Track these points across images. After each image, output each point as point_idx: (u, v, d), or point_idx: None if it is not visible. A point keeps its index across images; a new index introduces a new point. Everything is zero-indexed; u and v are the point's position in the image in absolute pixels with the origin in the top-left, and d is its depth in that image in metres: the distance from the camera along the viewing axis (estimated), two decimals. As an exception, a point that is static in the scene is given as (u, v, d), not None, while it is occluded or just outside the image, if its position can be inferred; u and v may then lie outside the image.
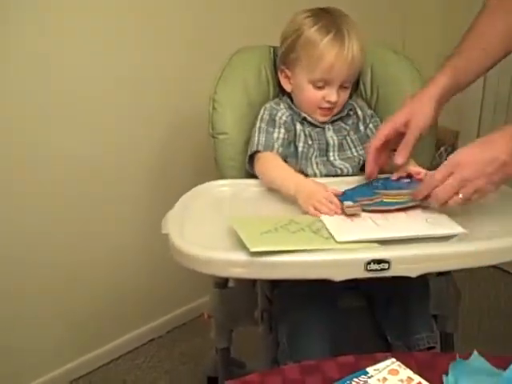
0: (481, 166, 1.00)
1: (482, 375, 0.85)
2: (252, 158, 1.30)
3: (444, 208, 1.04)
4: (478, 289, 2.22)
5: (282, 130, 1.31)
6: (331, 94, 1.29)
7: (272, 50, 1.44)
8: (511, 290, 2.21)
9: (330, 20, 1.29)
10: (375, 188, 1.15)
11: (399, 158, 1.16)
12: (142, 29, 1.70)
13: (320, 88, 1.30)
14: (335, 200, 1.10)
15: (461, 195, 1.01)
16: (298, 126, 1.34)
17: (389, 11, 2.36)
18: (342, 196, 1.11)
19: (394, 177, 1.19)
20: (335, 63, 1.26)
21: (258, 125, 1.33)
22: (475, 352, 0.89)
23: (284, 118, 1.33)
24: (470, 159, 1.01)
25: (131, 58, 1.70)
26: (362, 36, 1.30)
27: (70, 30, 1.56)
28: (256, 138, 1.30)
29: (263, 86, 1.42)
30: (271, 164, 1.27)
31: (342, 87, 1.31)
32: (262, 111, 1.36)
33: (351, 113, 1.38)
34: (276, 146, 1.29)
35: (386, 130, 1.20)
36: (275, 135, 1.30)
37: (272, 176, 1.24)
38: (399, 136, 1.18)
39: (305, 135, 1.32)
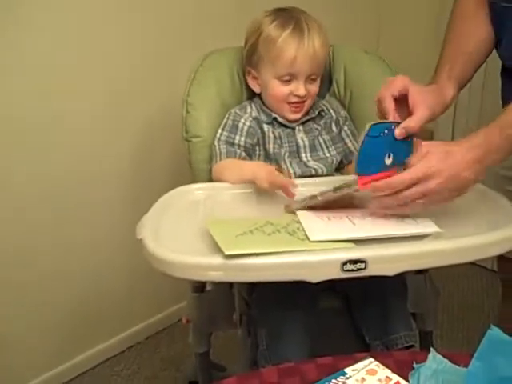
0: (446, 181, 0.99)
1: (444, 375, 0.84)
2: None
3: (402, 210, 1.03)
4: (456, 286, 2.24)
5: (243, 138, 1.32)
6: (298, 88, 1.30)
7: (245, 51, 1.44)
8: (490, 286, 2.23)
9: (288, 16, 1.31)
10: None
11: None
12: (113, 33, 1.69)
13: (287, 82, 1.30)
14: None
15: (422, 201, 1.01)
16: (266, 128, 1.33)
17: (363, 11, 2.38)
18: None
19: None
20: (297, 56, 1.27)
21: (218, 134, 1.33)
22: (432, 352, 0.88)
23: (248, 123, 1.33)
24: (438, 171, 0.99)
25: (104, 61, 1.69)
26: (324, 31, 1.31)
27: (38, 37, 1.54)
28: (218, 151, 1.31)
29: (236, 88, 1.42)
30: (224, 168, 1.28)
31: (309, 80, 1.31)
32: (225, 118, 1.36)
33: (323, 113, 1.39)
34: (238, 151, 1.30)
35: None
36: (236, 142, 1.31)
37: (230, 168, 1.26)
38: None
39: (274, 137, 1.32)
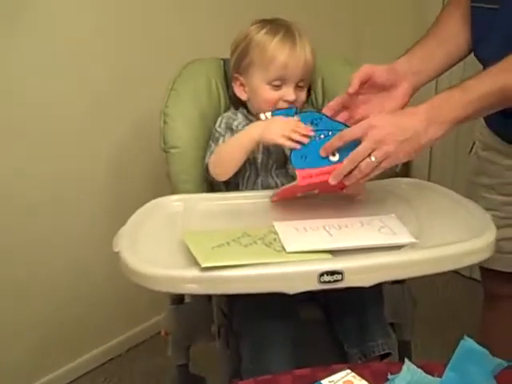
0: (394, 131, 1.02)
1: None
2: None
3: (359, 177, 1.05)
4: (435, 294, 2.25)
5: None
6: (289, 93, 1.30)
7: (222, 63, 1.44)
8: (468, 294, 2.24)
9: (277, 23, 1.33)
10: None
11: None
12: (93, 43, 1.69)
13: (277, 88, 1.30)
14: (302, 125, 1.15)
15: (373, 158, 1.02)
16: None
17: (343, 23, 2.40)
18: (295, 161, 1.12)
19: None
20: (289, 61, 1.28)
21: (217, 133, 1.33)
22: (406, 362, 0.88)
23: (240, 127, 1.33)
24: (384, 122, 1.03)
25: (82, 71, 1.68)
26: (311, 40, 1.32)
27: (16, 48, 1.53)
28: (220, 141, 1.30)
29: (214, 99, 1.42)
30: (224, 144, 1.29)
31: (297, 87, 1.32)
32: (218, 120, 1.35)
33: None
34: None
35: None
36: None
37: (227, 146, 1.27)
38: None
39: (263, 146, 1.32)
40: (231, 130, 1.32)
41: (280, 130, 1.16)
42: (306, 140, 1.13)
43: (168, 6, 1.84)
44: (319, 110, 1.26)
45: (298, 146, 1.13)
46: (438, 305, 2.22)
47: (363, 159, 1.03)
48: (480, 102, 1.04)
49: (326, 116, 1.18)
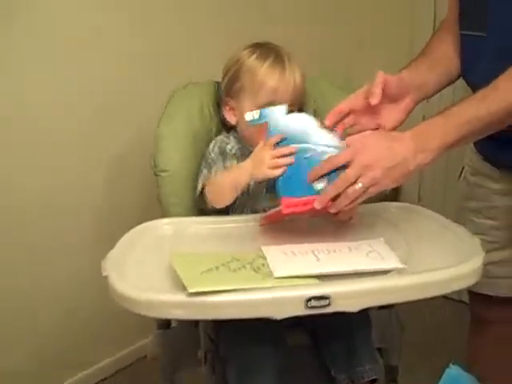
0: (381, 157, 1.02)
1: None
2: (203, 190, 1.29)
3: (346, 203, 1.05)
4: (423, 317, 2.24)
5: (235, 162, 1.32)
6: None
7: (216, 86, 1.46)
8: (457, 318, 2.23)
9: (268, 48, 1.34)
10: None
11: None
12: (87, 66, 1.70)
13: None
14: (283, 150, 1.12)
15: (360, 184, 1.03)
16: None
17: (334, 46, 2.42)
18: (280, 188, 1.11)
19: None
20: (279, 86, 1.29)
21: (209, 158, 1.33)
22: None
23: (234, 150, 1.34)
24: (371, 147, 1.03)
25: (77, 91, 1.69)
26: (301, 64, 1.34)
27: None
28: (213, 169, 1.30)
29: (206, 122, 1.43)
30: (218, 177, 1.28)
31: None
32: (211, 145, 1.36)
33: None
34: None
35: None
36: (228, 166, 1.31)
37: (222, 183, 1.25)
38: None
39: None
40: (224, 154, 1.33)
41: (264, 164, 1.14)
42: (291, 160, 1.11)
43: (168, 21, 1.87)
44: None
45: (286, 170, 1.12)
46: (427, 329, 2.21)
47: (350, 185, 1.03)
48: (464, 128, 1.05)
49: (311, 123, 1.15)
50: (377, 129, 1.18)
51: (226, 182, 1.25)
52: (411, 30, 2.42)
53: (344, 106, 1.20)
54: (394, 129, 1.20)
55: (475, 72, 1.21)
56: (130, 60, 1.79)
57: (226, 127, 1.42)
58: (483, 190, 1.33)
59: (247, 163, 1.20)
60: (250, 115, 1.18)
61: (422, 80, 1.26)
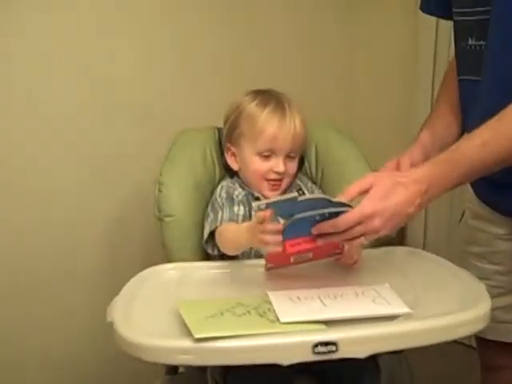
0: (389, 218, 1.03)
1: None
2: (213, 234, 1.29)
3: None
4: (433, 363, 2.21)
5: (242, 207, 1.32)
6: (278, 164, 1.32)
7: (217, 131, 1.47)
8: (468, 363, 2.20)
9: (268, 95, 1.36)
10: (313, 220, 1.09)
11: None
12: (86, 107, 1.70)
13: (267, 158, 1.32)
14: (271, 226, 1.08)
15: (364, 238, 1.05)
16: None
17: (334, 89, 2.45)
18: (284, 232, 1.09)
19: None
20: (278, 133, 1.30)
21: (217, 202, 1.33)
22: None
23: (240, 196, 1.35)
24: (381, 212, 1.03)
25: (79, 136, 1.70)
26: (302, 111, 1.35)
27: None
28: (219, 215, 1.30)
29: (209, 167, 1.44)
30: (225, 230, 1.27)
31: (288, 157, 1.34)
32: (218, 189, 1.37)
33: (300, 192, 1.40)
34: (240, 221, 1.29)
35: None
36: (235, 211, 1.31)
37: (229, 238, 1.25)
38: None
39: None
40: (232, 199, 1.33)
41: (255, 240, 1.11)
42: (279, 237, 1.08)
43: (168, 67, 1.88)
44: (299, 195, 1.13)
45: (277, 248, 1.10)
46: (438, 374, 2.18)
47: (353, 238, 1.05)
48: (468, 171, 1.07)
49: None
50: None
51: (229, 238, 1.25)
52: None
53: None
54: None
55: (470, 118, 1.23)
56: (128, 108, 1.80)
57: (230, 172, 1.43)
58: (485, 235, 1.33)
59: (245, 230, 1.18)
60: (256, 207, 1.18)
61: (442, 142, 1.29)
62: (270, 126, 1.30)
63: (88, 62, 1.68)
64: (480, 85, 1.17)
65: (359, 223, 1.03)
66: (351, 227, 1.03)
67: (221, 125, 1.44)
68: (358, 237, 1.05)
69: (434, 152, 1.27)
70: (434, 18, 1.43)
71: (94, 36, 1.67)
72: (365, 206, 1.03)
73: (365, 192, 1.06)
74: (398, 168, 1.23)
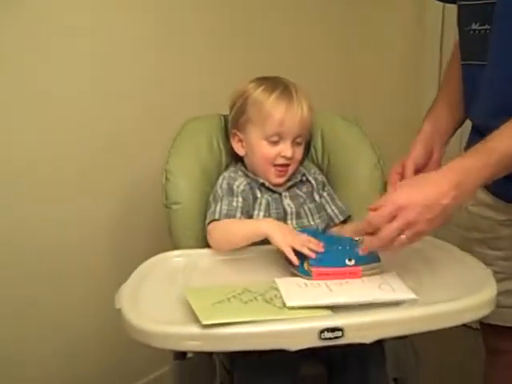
0: (423, 210, 1.01)
1: None
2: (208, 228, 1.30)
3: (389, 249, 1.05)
4: (440, 346, 2.22)
5: (240, 199, 1.32)
6: (286, 149, 1.32)
7: (222, 118, 1.48)
8: (474, 346, 2.20)
9: (275, 81, 1.36)
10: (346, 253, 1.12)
11: None
12: (92, 98, 1.70)
13: (275, 143, 1.33)
14: (314, 241, 1.14)
15: (404, 236, 1.02)
16: (259, 194, 1.35)
17: (336, 82, 2.44)
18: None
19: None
20: (285, 117, 1.30)
21: (217, 193, 1.34)
22: None
23: (242, 186, 1.35)
24: (413, 202, 1.02)
25: (84, 126, 1.69)
26: (309, 96, 1.35)
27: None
28: (218, 207, 1.31)
29: (215, 154, 1.45)
30: (230, 223, 1.28)
31: (295, 143, 1.34)
32: (220, 180, 1.37)
33: (304, 179, 1.41)
34: (238, 214, 1.30)
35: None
36: (234, 204, 1.31)
37: (234, 230, 1.26)
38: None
39: (266, 203, 1.34)
40: (232, 191, 1.34)
41: (291, 240, 1.14)
42: (313, 255, 1.12)
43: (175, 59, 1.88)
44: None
45: (296, 262, 1.12)
46: (444, 358, 2.18)
47: (394, 239, 1.03)
48: (502, 159, 1.05)
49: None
50: None
51: (240, 232, 1.25)
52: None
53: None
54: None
55: (475, 104, 1.22)
56: (133, 96, 1.79)
57: (236, 158, 1.44)
58: (488, 222, 1.33)
59: (271, 223, 1.21)
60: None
61: (445, 128, 1.31)
62: (277, 110, 1.31)
63: (91, 52, 1.67)
64: (484, 70, 1.17)
65: (393, 216, 1.01)
66: (385, 221, 1.02)
67: (226, 112, 1.44)
68: (398, 236, 1.02)
69: (437, 142, 1.28)
70: (440, 4, 1.41)
71: (94, 28, 1.66)
72: (394, 197, 1.04)
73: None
74: (402, 171, 1.25)
